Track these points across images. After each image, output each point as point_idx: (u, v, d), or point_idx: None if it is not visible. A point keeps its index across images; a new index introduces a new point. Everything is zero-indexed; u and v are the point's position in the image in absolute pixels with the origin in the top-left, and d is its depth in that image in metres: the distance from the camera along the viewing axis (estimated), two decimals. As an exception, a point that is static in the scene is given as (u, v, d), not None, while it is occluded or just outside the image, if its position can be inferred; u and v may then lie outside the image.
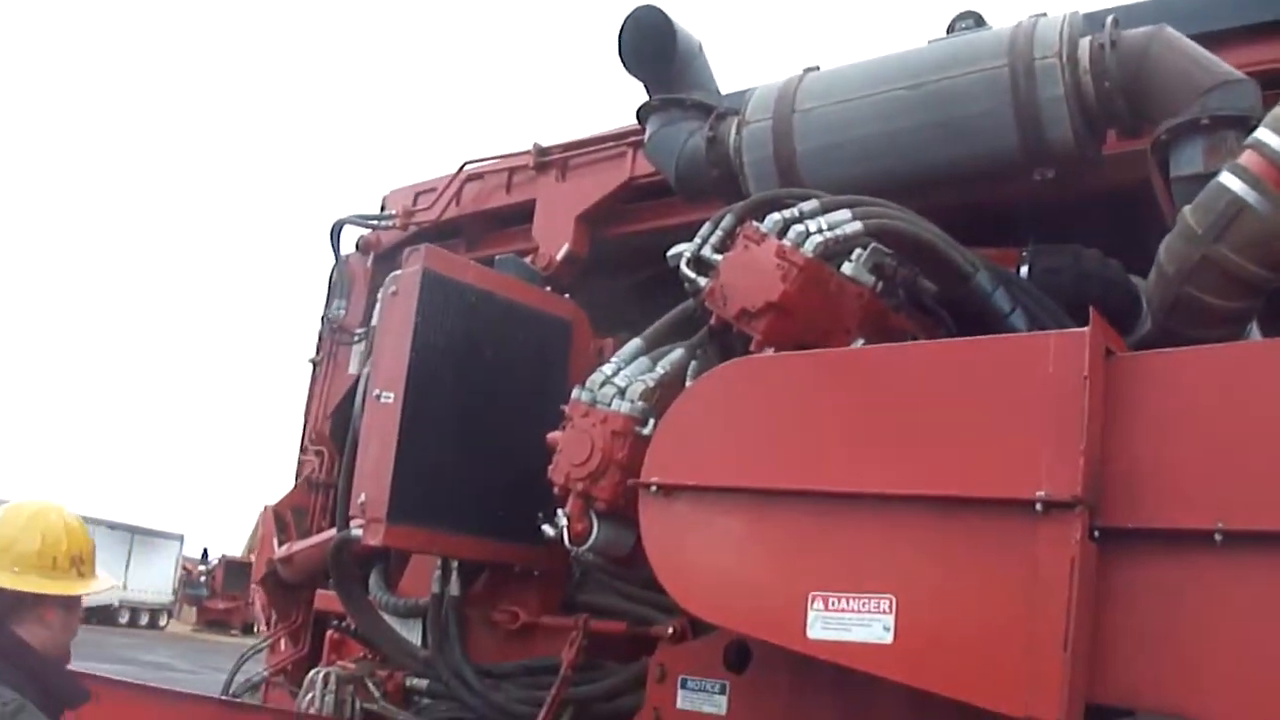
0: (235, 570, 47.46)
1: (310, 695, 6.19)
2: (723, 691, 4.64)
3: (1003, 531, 3.40)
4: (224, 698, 7.13)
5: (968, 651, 3.43)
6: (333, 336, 8.10)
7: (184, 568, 50.56)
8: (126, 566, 46.24)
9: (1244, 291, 4.23)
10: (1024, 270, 4.94)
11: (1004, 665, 3.33)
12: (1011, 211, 5.41)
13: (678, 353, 4.93)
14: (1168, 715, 3.50)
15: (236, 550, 49.07)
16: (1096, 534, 3.39)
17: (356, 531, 5.45)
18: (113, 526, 45.90)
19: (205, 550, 53.61)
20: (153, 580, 47.49)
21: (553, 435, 4.89)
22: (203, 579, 51.54)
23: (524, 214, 7.16)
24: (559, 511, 4.76)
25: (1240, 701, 3.30)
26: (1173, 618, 3.35)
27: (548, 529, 4.83)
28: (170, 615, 49.82)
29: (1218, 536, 3.26)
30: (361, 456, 5.51)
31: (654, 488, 4.10)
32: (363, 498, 5.33)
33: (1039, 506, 3.33)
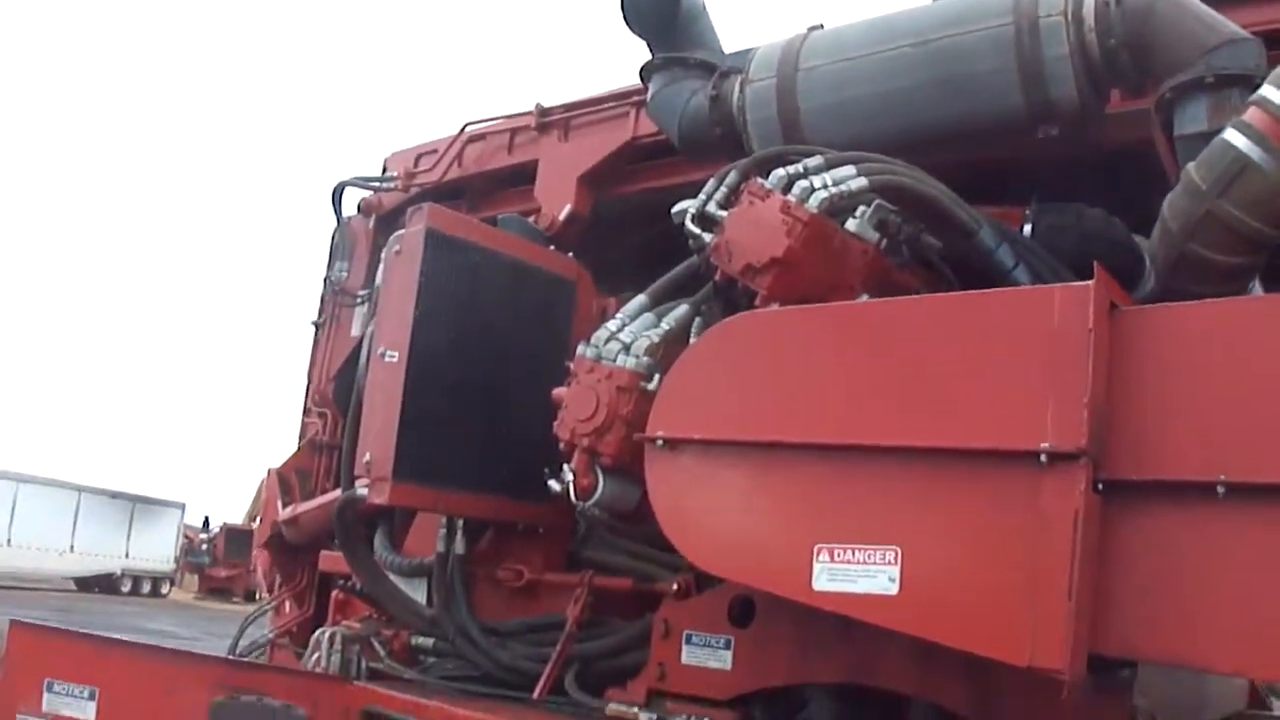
0: (237, 538, 47.56)
1: (316, 655, 6.21)
2: (728, 646, 4.68)
3: (1007, 483, 3.42)
4: (231, 657, 7.15)
5: (972, 602, 3.45)
6: (335, 299, 8.11)
7: (185, 536, 50.62)
8: (128, 535, 46.39)
9: (1247, 247, 4.24)
10: (1027, 229, 4.94)
11: (1008, 616, 3.36)
12: (1015, 170, 5.41)
13: (682, 309, 4.95)
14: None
15: (238, 518, 49.20)
16: (1100, 486, 3.41)
17: (362, 491, 5.48)
18: (114, 495, 46.03)
19: (206, 518, 53.77)
20: (154, 549, 47.58)
21: (558, 391, 4.91)
22: (204, 547, 51.65)
23: (526, 175, 7.16)
24: (564, 467, 4.79)
25: (1242, 653, 3.33)
26: (1175, 570, 3.37)
27: (553, 484, 4.85)
28: (172, 583, 49.92)
29: (1220, 489, 3.28)
30: (366, 416, 5.53)
31: (659, 442, 4.12)
32: (368, 457, 5.35)
33: (1043, 458, 3.35)
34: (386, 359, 5.38)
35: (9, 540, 40.86)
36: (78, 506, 44.29)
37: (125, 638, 6.29)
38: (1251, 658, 3.35)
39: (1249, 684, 6.06)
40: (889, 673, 4.32)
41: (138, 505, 47.24)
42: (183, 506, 49.94)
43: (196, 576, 51.66)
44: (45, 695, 5.61)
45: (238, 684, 5.51)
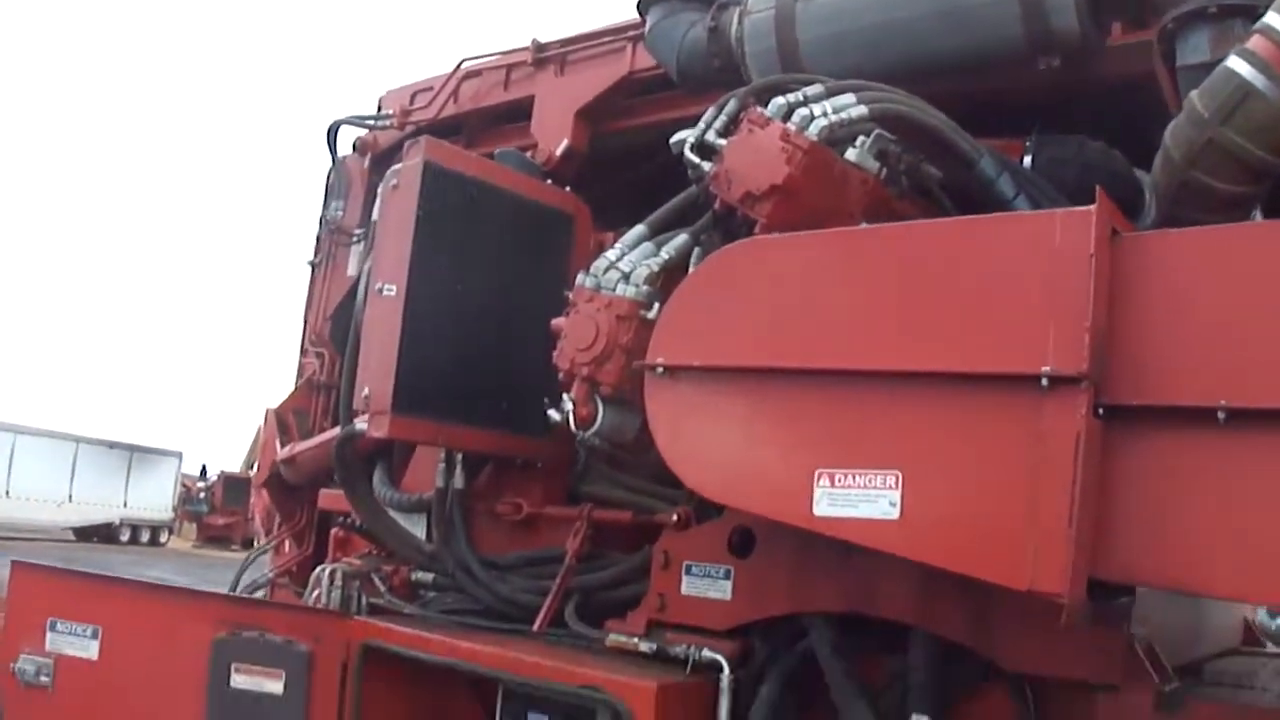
0: (234, 486, 47.68)
1: (316, 592, 6.23)
2: (727, 576, 4.70)
3: (1008, 407, 3.42)
4: (232, 594, 7.18)
5: (973, 526, 3.46)
6: (331, 238, 8.07)
7: (183, 485, 50.76)
8: (126, 485, 46.51)
9: (1249, 176, 4.22)
10: (1027, 161, 4.93)
11: (1009, 540, 3.37)
12: (1015, 102, 5.37)
13: (682, 238, 4.92)
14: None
15: (235, 466, 49.27)
16: (1101, 411, 3.41)
17: (361, 426, 5.49)
18: (111, 445, 46.13)
19: (204, 467, 53.87)
20: (152, 498, 47.74)
21: (557, 321, 4.90)
22: (202, 495, 51.76)
23: (523, 111, 7.10)
24: (564, 397, 4.79)
25: (1241, 578, 3.34)
26: (1175, 495, 3.38)
27: (553, 414, 4.85)
28: (170, 532, 50.08)
29: (1220, 415, 3.28)
30: (364, 351, 5.53)
31: (659, 369, 4.12)
32: (366, 391, 5.35)
33: (1044, 382, 3.35)
34: (384, 293, 5.37)
35: (7, 492, 41.00)
36: (75, 457, 44.41)
37: (128, 577, 6.32)
38: (1251, 582, 3.36)
39: (1243, 622, 6.09)
40: (888, 602, 4.34)
41: (135, 455, 47.34)
42: (180, 455, 50.04)
43: (195, 525, 51.81)
44: (48, 635, 5.67)
45: (240, 620, 5.55)
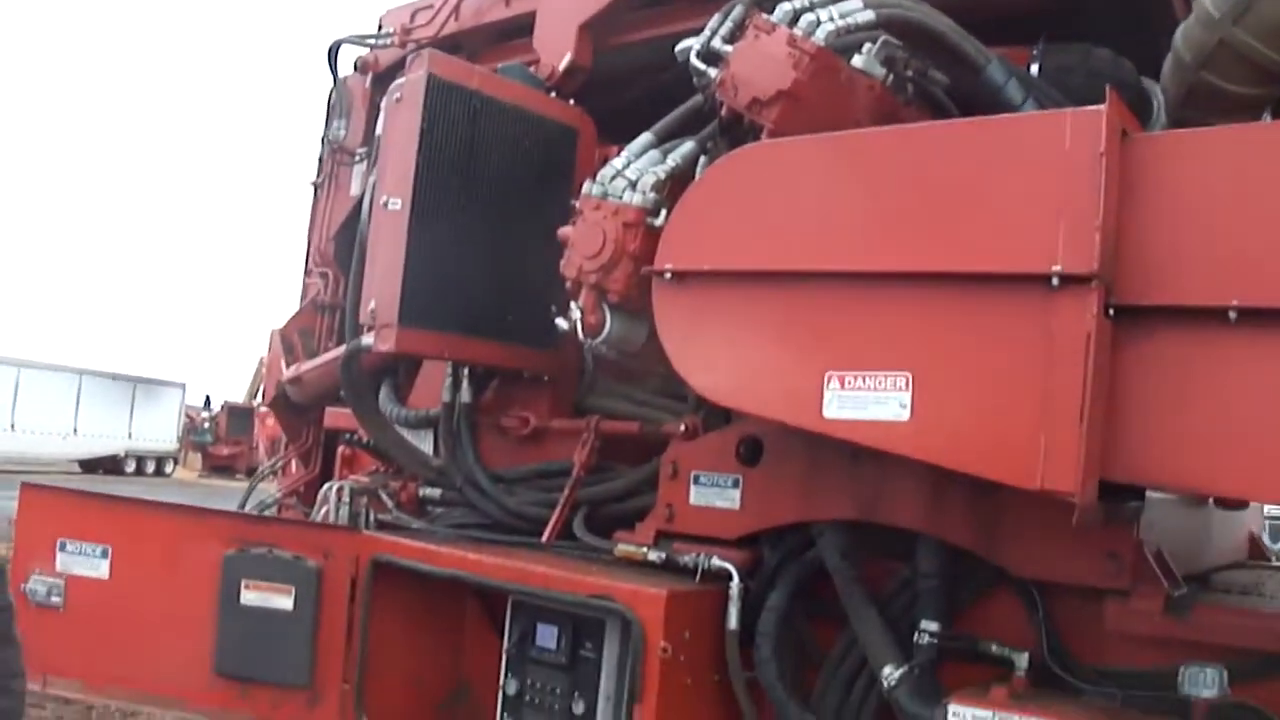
0: (238, 415, 47.81)
1: (325, 509, 6.26)
2: (736, 485, 4.71)
3: (1019, 307, 3.41)
4: (242, 511, 7.20)
5: (984, 426, 3.46)
6: (333, 158, 8.00)
7: (187, 415, 50.82)
8: (130, 416, 46.57)
9: (1261, 78, 4.18)
10: (1034, 68, 4.88)
11: (1020, 440, 3.37)
12: (1020, 9, 5.32)
13: (688, 145, 4.90)
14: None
15: (238, 397, 49.33)
16: (1111, 312, 3.40)
17: (367, 340, 5.47)
18: (115, 377, 46.12)
19: (208, 397, 53.89)
20: (157, 429, 47.80)
21: (564, 230, 4.89)
22: (206, 425, 51.87)
23: (524, 27, 7.00)
24: (572, 305, 4.78)
25: (1251, 477, 3.34)
26: (1186, 395, 3.38)
27: (561, 323, 4.85)
28: (176, 462, 50.18)
29: (1231, 314, 3.27)
30: (369, 265, 5.51)
31: (667, 274, 4.10)
32: (372, 304, 5.35)
33: (1055, 281, 3.34)
34: (389, 207, 5.34)
35: (12, 425, 41.01)
36: (79, 389, 44.41)
37: (139, 497, 6.33)
38: (1262, 482, 3.37)
39: (1249, 536, 6.11)
40: (897, 509, 4.35)
41: (139, 386, 47.34)
42: (183, 386, 50.07)
43: (199, 455, 51.96)
44: (58, 555, 5.68)
45: (249, 537, 5.57)
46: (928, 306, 3.58)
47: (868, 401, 3.61)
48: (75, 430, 43.87)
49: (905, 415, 3.55)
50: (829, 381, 3.68)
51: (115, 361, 47.27)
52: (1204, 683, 3.59)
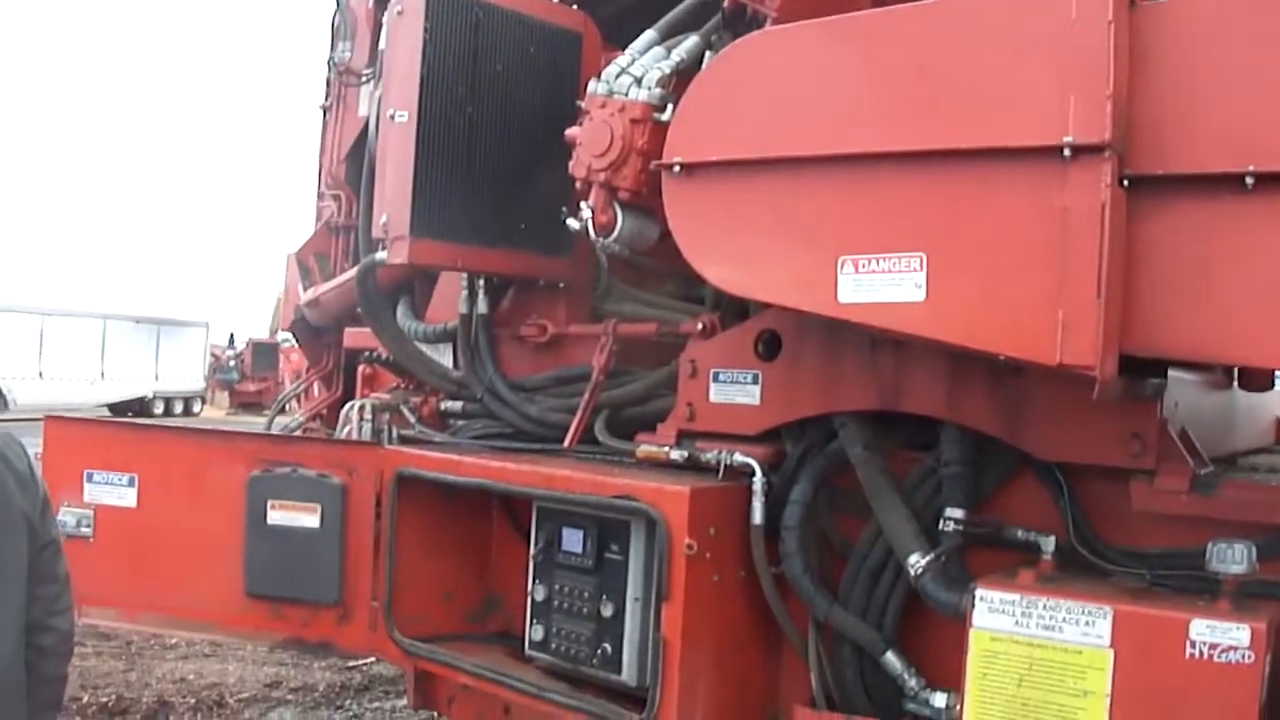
0: (263, 351, 48.10)
1: (348, 428, 6.27)
2: (755, 381, 4.69)
3: (1032, 181, 3.36)
4: (265, 433, 7.25)
5: (1000, 303, 3.42)
6: (340, 80, 7.95)
7: (212, 354, 51.13)
8: (156, 358, 46.89)
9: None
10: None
11: (1037, 315, 3.33)
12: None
13: (692, 40, 4.85)
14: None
15: (262, 333, 49.49)
16: (1126, 183, 3.35)
17: (381, 255, 5.47)
18: (138, 321, 46.36)
19: (231, 335, 54.11)
20: (183, 369, 48.16)
21: (571, 131, 4.86)
22: (231, 363, 52.15)
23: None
24: (582, 205, 4.75)
25: (1270, 344, 3.31)
26: (1203, 264, 3.34)
27: (572, 223, 4.82)
28: (203, 401, 50.52)
29: (1248, 180, 3.22)
30: (379, 179, 5.51)
31: (676, 168, 4.06)
32: (384, 218, 5.34)
33: (1067, 152, 3.28)
34: (396, 119, 5.32)
35: (40, 373, 41.33)
36: (104, 334, 44.70)
37: (165, 424, 6.37)
38: (1280, 349, 3.34)
39: (1276, 422, 6.08)
40: (917, 397, 4.33)
41: (162, 328, 47.64)
42: (207, 325, 50.34)
43: (226, 393, 52.25)
44: (86, 486, 5.75)
45: (273, 457, 5.61)
46: (939, 185, 3.53)
47: (882, 284, 3.58)
48: (102, 375, 44.21)
49: (920, 296, 3.52)
50: (842, 266, 3.65)
51: (137, 304, 47.45)
52: (1232, 558, 3.56)
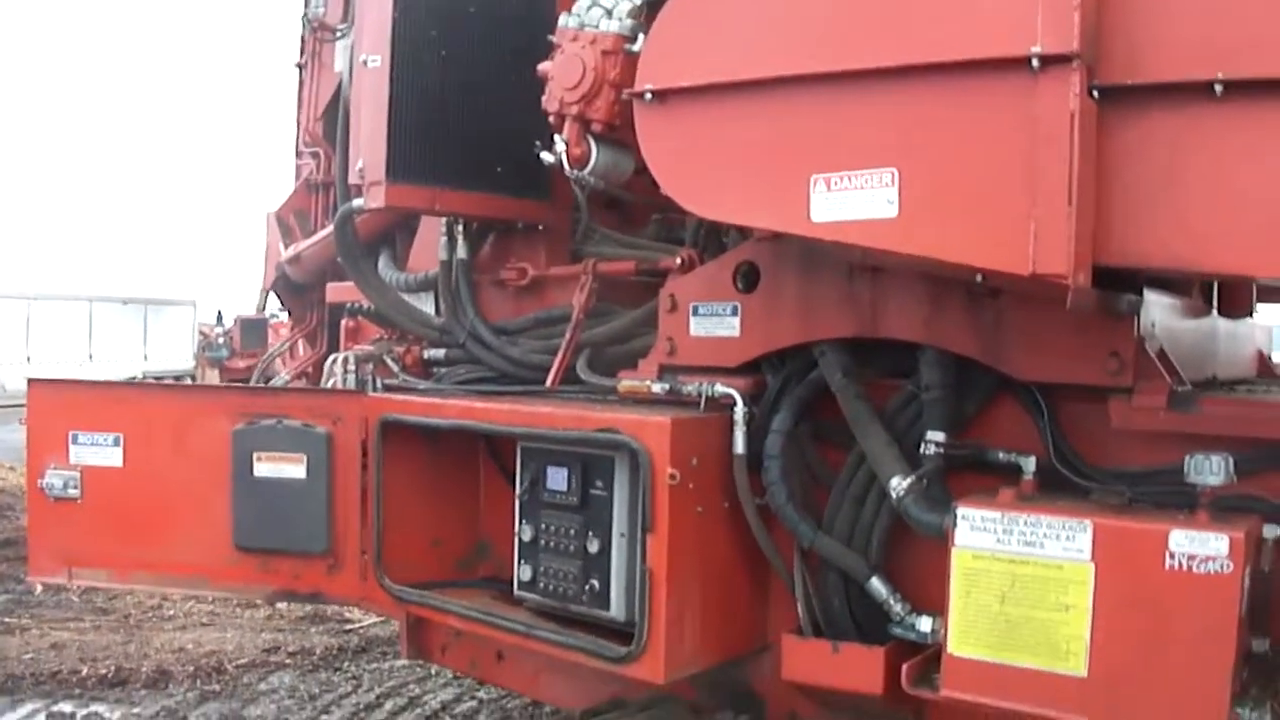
0: (251, 328, 47.90)
1: (332, 381, 6.28)
2: (735, 313, 4.69)
3: (1000, 93, 3.34)
4: (248, 385, 7.25)
5: (973, 216, 3.41)
6: (315, 37, 7.93)
7: (200, 332, 50.96)
8: (144, 338, 46.80)
9: None
10: None
11: (1009, 226, 3.32)
12: None
13: (663, -31, 4.85)
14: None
15: (249, 310, 49.36)
16: (1095, 94, 3.35)
17: (358, 202, 5.48)
18: (125, 302, 46.23)
19: (219, 313, 53.83)
20: (171, 348, 48.03)
21: (543, 65, 4.86)
22: (220, 340, 51.98)
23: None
24: (556, 138, 4.75)
25: (1242, 251, 3.32)
26: (1174, 173, 3.33)
27: (546, 156, 4.81)
28: (193, 379, 50.38)
29: (1218, 88, 3.22)
30: (354, 125, 5.51)
31: (648, 95, 4.05)
32: (360, 163, 5.33)
33: (1035, 63, 3.27)
34: (369, 64, 5.31)
35: (28, 358, 41.20)
36: (91, 316, 44.57)
37: (142, 381, 6.38)
38: (1254, 257, 3.34)
39: (1258, 353, 6.10)
40: (895, 322, 4.35)
41: (150, 308, 47.50)
42: (194, 304, 50.19)
43: (216, 371, 52.06)
44: (71, 447, 5.75)
45: (257, 410, 5.62)
46: (909, 101, 3.52)
47: (854, 201, 3.57)
48: (91, 357, 44.09)
49: (893, 212, 3.51)
50: (815, 185, 3.64)
51: (124, 285, 47.33)
52: (1210, 470, 3.59)
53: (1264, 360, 6.15)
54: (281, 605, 11.18)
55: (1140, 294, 3.94)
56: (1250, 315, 5.98)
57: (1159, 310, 4.16)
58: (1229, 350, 5.44)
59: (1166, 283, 4.39)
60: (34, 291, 42.39)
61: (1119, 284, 3.72)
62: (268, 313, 34.70)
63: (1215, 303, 5.38)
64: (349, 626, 10.72)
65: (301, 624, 10.92)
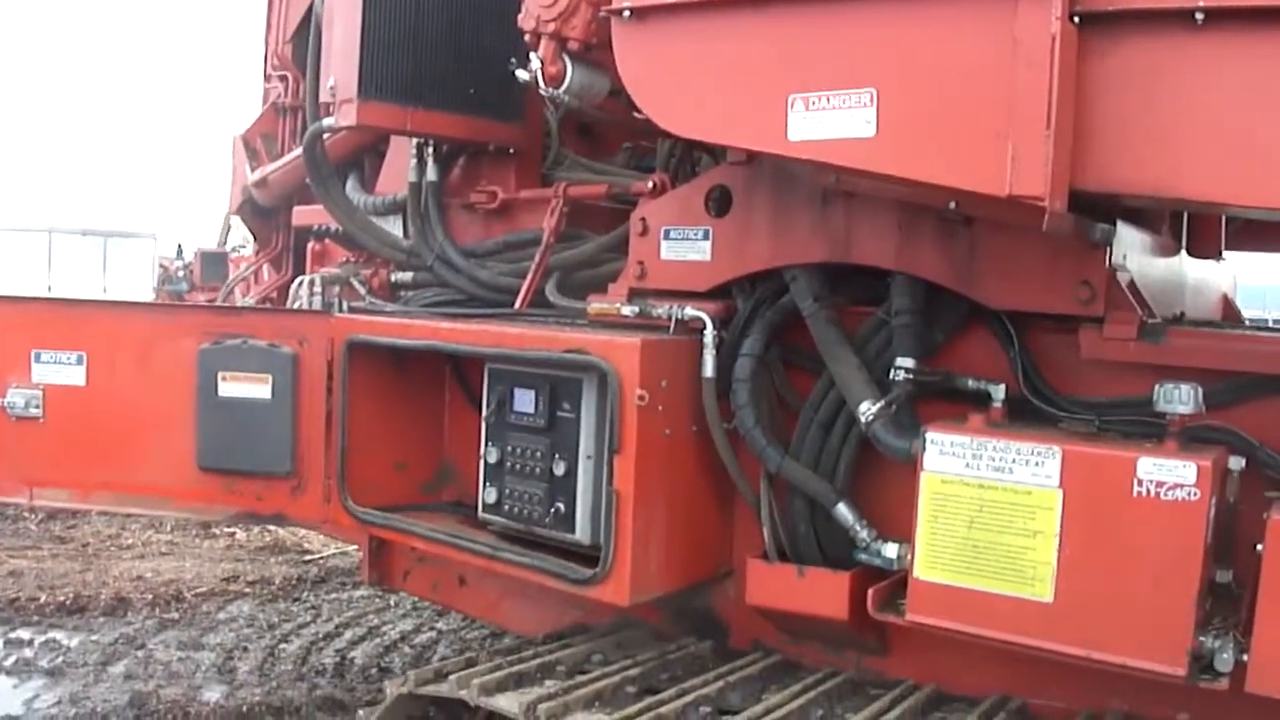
0: (212, 261, 47.50)
1: (298, 303, 6.24)
2: (706, 237, 4.67)
3: (981, 14, 3.33)
4: (214, 305, 7.20)
5: (950, 136, 3.39)
6: (285, -43, 7.84)
7: (161, 265, 50.57)
8: (104, 270, 46.38)
9: None
10: None
11: (987, 147, 3.30)
12: None
13: (642, -115, 4.80)
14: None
15: (210, 243, 49.08)
16: (1076, 19, 3.34)
17: (329, 121, 5.42)
18: (85, 233, 45.79)
19: (179, 246, 53.44)
20: (131, 281, 47.65)
21: (517, -17, 4.82)
22: (180, 274, 51.62)
23: None
24: (531, 56, 4.70)
25: (1218, 179, 3.32)
26: (1154, 100, 3.32)
27: (521, 74, 4.75)
28: (153, 313, 50.10)
29: (1198, 15, 3.21)
30: (326, 43, 5.46)
31: (626, 13, 4.00)
32: (331, 81, 5.27)
33: (1016, -16, 3.27)
34: (343, -20, 5.25)
35: (-15, 291, 40.90)
36: (50, 248, 44.16)
37: (108, 298, 6.32)
38: (1230, 186, 3.34)
39: (1224, 298, 6.13)
40: (868, 248, 4.34)
41: (109, 240, 47.05)
42: (154, 237, 49.74)
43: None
44: (34, 366, 5.67)
45: (223, 329, 5.56)
46: (888, 20, 3.48)
47: (832, 121, 3.54)
48: (49, 289, 43.67)
49: (871, 131, 3.48)
50: (793, 104, 3.61)
51: (83, 217, 46.85)
52: (1179, 399, 3.61)
53: (1229, 304, 6.19)
54: (241, 535, 11.19)
55: (1114, 225, 3.94)
56: (1218, 258, 6.02)
57: (1131, 244, 4.18)
58: (1196, 291, 5.48)
59: (1138, 217, 4.40)
60: (-11, 223, 41.97)
61: (1093, 215, 3.72)
62: (229, 246, 34.48)
63: (1185, 242, 5.40)
64: (308, 557, 10.74)
65: (261, 554, 10.94)
